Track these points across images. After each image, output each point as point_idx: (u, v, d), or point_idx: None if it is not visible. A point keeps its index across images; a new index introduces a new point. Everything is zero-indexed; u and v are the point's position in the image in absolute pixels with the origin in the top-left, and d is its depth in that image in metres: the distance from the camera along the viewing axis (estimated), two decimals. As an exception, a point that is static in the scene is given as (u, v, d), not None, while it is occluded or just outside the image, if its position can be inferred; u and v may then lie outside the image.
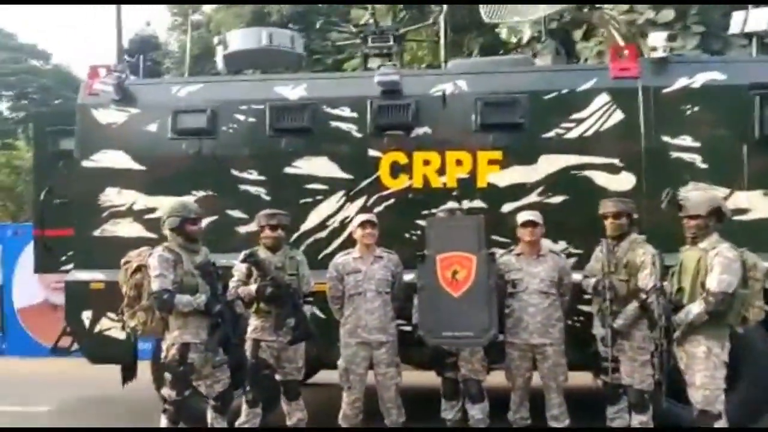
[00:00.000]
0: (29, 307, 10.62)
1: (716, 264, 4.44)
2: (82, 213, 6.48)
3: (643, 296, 4.84)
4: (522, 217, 5.43)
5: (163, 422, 4.85)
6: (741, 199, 5.76)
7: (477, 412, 5.40)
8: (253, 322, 5.34)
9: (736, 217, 5.71)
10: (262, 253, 5.32)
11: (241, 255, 5.23)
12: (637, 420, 5.05)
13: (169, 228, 4.95)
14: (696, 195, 4.77)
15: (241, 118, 6.36)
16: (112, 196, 6.41)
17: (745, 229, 5.70)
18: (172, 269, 4.78)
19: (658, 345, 4.62)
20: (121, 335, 5.85)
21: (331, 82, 6.63)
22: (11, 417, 7.11)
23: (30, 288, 10.34)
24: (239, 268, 5.32)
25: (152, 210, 6.21)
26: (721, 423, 4.48)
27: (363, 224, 5.49)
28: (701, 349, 4.49)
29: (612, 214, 5.16)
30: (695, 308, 4.47)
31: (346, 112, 6.24)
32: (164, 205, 5.27)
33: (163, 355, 4.90)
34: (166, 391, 4.83)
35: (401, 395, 5.57)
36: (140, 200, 6.38)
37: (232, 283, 5.33)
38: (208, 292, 4.88)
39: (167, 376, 4.82)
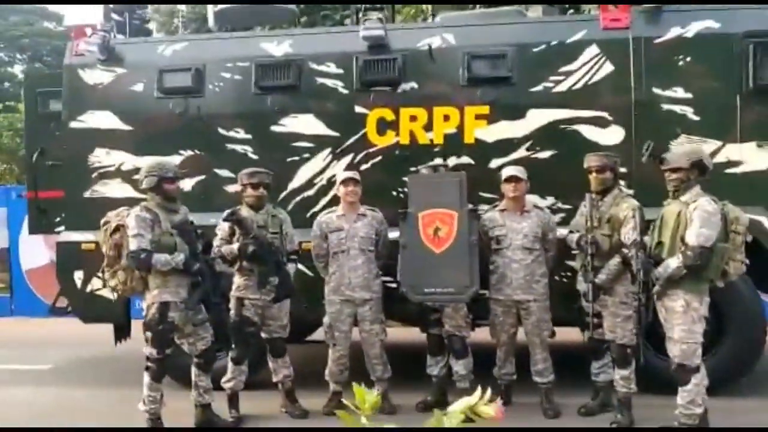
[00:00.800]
0: (36, 268, 10.79)
1: (695, 217, 4.35)
2: (72, 174, 6.52)
3: (625, 251, 4.77)
4: (505, 172, 5.36)
5: (146, 380, 4.90)
6: (734, 151, 5.63)
7: (461, 368, 5.41)
8: (237, 281, 5.36)
9: (729, 170, 5.64)
10: (245, 211, 5.32)
11: (224, 214, 5.23)
12: (620, 374, 5.02)
13: (146, 188, 4.95)
14: (678, 148, 4.65)
15: (227, 76, 6.31)
16: (101, 157, 6.43)
17: (738, 181, 5.60)
18: (149, 229, 4.78)
19: (637, 300, 4.58)
20: (113, 295, 5.91)
21: (316, 38, 6.51)
22: (17, 375, 7.29)
23: (36, 249, 10.48)
24: (222, 227, 5.33)
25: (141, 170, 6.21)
26: (698, 376, 4.44)
27: (345, 182, 5.46)
28: (679, 303, 4.43)
29: (596, 168, 5.07)
30: (674, 262, 4.40)
31: (331, 68, 6.15)
32: (143, 165, 5.26)
33: (143, 314, 4.94)
34: (148, 350, 4.87)
35: (387, 351, 5.61)
36: (129, 160, 6.39)
37: (215, 242, 5.35)
38: (186, 251, 4.88)
39: (148, 334, 4.86)
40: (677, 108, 5.69)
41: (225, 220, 5.20)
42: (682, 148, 4.67)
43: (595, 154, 5.16)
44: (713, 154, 5.61)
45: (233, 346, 5.39)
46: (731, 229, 4.45)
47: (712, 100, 5.65)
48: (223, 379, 5.40)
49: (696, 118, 5.66)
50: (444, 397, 5.53)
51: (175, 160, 6.23)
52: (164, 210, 4.91)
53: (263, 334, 5.46)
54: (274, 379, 5.55)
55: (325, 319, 5.51)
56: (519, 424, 5.19)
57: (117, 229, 4.88)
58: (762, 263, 5.53)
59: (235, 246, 5.21)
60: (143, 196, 5.34)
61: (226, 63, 6.31)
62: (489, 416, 2.50)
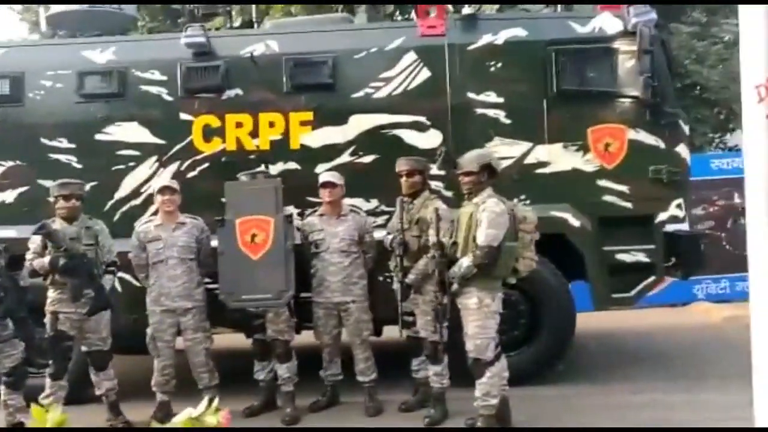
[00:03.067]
0: None
1: (483, 218, 4.56)
2: None
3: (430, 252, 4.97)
4: (321, 178, 5.49)
5: (-54, 401, 4.74)
6: (542, 152, 5.95)
7: (284, 372, 5.49)
8: (51, 295, 5.23)
9: (538, 170, 5.96)
10: (57, 224, 5.20)
11: (34, 227, 5.11)
12: (432, 370, 5.22)
13: (-60, 204, 4.77)
14: (469, 152, 4.88)
15: (48, 84, 6.15)
16: None
17: (546, 181, 5.93)
18: (-58, 246, 4.62)
19: (436, 298, 4.79)
20: None
21: (140, 45, 6.44)
22: None
23: None
24: (34, 241, 5.19)
25: None
26: (493, 369, 4.65)
27: (161, 190, 5.44)
28: (473, 301, 4.64)
29: (405, 172, 5.24)
30: (466, 261, 4.60)
31: (156, 75, 6.10)
32: None
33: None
34: (-54, 369, 4.71)
35: (215, 358, 5.63)
36: (-55, 172, 6.13)
37: (28, 256, 5.21)
38: (-15, 267, 4.74)
39: (-55, 354, 4.70)
40: (490, 112, 5.96)
41: (35, 233, 5.08)
42: (472, 153, 4.89)
43: (405, 159, 5.33)
44: (524, 155, 5.95)
45: (51, 361, 5.27)
46: (520, 228, 4.69)
47: (521, 104, 5.95)
48: (42, 395, 5.25)
49: (507, 121, 5.95)
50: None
51: (-5, 171, 6.08)
52: (-39, 226, 4.74)
53: (83, 348, 5.37)
54: (97, 393, 5.47)
55: (148, 330, 5.47)
56: (341, 423, 5.34)
57: None
58: (570, 256, 5.91)
59: (47, 259, 5.09)
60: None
61: (46, 71, 6.15)
62: (214, 425, 2.57)
